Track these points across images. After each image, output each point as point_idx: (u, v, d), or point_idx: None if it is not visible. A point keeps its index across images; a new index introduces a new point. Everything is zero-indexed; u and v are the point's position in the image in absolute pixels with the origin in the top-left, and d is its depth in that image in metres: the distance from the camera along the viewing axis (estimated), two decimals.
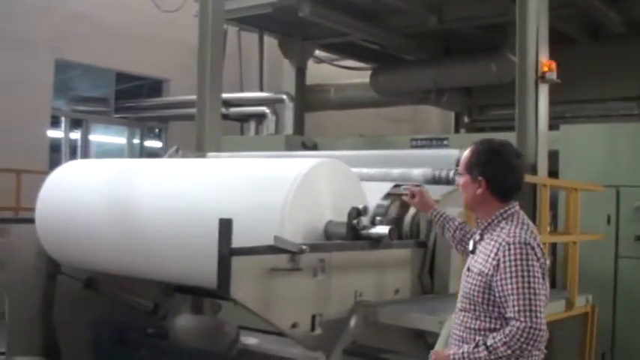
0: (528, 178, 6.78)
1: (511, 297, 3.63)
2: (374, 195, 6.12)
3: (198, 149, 8.89)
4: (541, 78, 7.35)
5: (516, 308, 3.60)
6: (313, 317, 4.88)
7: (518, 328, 3.57)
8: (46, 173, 7.28)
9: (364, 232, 5.36)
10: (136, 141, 17.36)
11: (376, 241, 5.34)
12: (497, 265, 3.70)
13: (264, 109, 14.50)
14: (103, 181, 6.54)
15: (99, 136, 17.20)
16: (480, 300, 3.79)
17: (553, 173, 8.02)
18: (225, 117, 13.25)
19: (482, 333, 3.76)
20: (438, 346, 4.35)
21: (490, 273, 3.73)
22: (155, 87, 17.02)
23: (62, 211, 6.63)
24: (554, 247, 7.48)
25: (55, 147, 15.22)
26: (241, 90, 15.23)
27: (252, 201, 5.29)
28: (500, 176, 3.92)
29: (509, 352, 3.58)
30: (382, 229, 5.35)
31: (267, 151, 8.39)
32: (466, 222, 4.72)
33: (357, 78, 15.33)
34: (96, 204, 6.37)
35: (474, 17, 11.98)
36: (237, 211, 4.92)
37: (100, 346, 7.04)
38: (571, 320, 6.53)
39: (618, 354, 8.29)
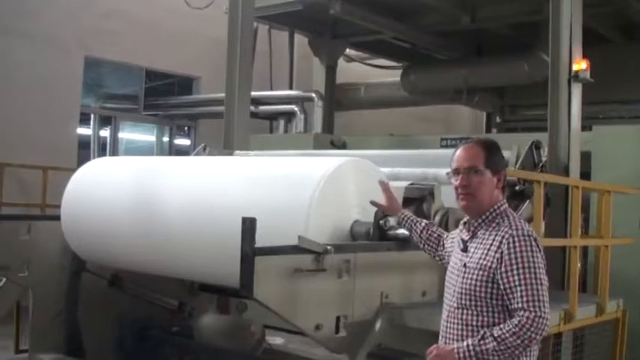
0: (560, 180, 6.69)
1: (518, 288, 3.63)
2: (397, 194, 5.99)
3: (226, 147, 8.83)
4: (574, 77, 7.24)
5: (524, 299, 3.61)
6: (337, 319, 4.77)
7: (528, 317, 3.57)
8: (73, 170, 7.25)
9: (391, 232, 5.26)
10: (165, 139, 17.34)
11: (403, 242, 5.22)
12: (501, 257, 3.70)
13: (294, 107, 14.49)
14: (129, 179, 6.49)
15: (128, 134, 17.23)
16: (482, 295, 3.76)
17: (585, 175, 7.88)
18: (255, 115, 13.22)
19: (484, 329, 3.72)
20: None
21: (494, 266, 3.72)
22: (185, 84, 16.97)
23: (88, 208, 6.59)
24: (585, 250, 7.34)
25: (84, 144, 15.21)
26: (271, 88, 15.18)
27: (278, 199, 5.22)
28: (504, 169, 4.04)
29: (518, 341, 3.58)
30: None
31: (295, 150, 8.31)
32: (432, 223, 4.78)
33: (388, 77, 15.28)
34: (121, 201, 6.33)
35: (508, 16, 11.89)
36: (262, 209, 4.86)
37: (124, 345, 7.02)
38: (601, 325, 6.43)
39: None
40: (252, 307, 6.76)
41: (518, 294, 3.62)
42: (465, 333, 3.81)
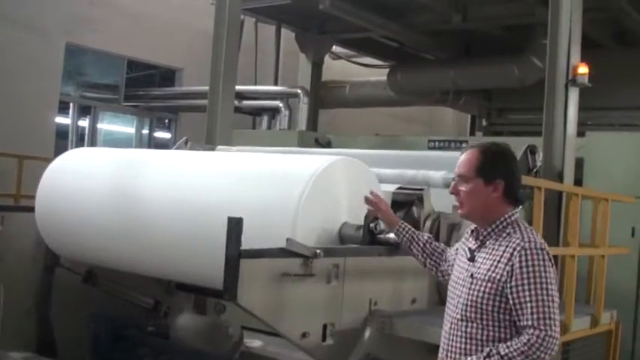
0: (556, 186, 6.51)
1: (529, 304, 3.44)
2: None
3: (208, 142, 8.61)
4: (572, 81, 7.07)
5: (535, 316, 3.42)
6: (325, 327, 4.57)
7: (537, 336, 3.39)
8: (49, 160, 7.03)
9: (381, 236, 5.04)
10: (145, 131, 17.06)
11: (394, 247, 5.00)
12: (512, 270, 3.50)
13: (278, 103, 14.27)
14: (108, 172, 6.28)
15: (107, 125, 16.93)
16: (489, 308, 3.56)
17: (577, 181, 7.74)
18: (238, 110, 12.98)
19: (489, 344, 3.53)
20: None
21: (503, 279, 3.52)
22: (168, 76, 16.70)
23: (63, 200, 6.37)
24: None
25: (62, 134, 14.91)
26: (255, 83, 14.96)
27: (264, 198, 5.01)
28: (517, 179, 3.78)
29: None
30: None
31: (279, 147, 8.10)
32: (432, 237, 4.55)
33: (374, 76, 15.10)
34: (99, 195, 6.11)
35: (500, 17, 11.77)
36: (248, 208, 4.67)
37: (98, 343, 6.77)
38: (594, 337, 6.27)
39: None
40: (230, 308, 6.54)
41: (529, 310, 3.42)
42: (468, 347, 3.61)
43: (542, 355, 3.37)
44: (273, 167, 5.44)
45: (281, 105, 14.16)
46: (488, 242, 3.67)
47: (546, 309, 3.41)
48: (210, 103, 9.12)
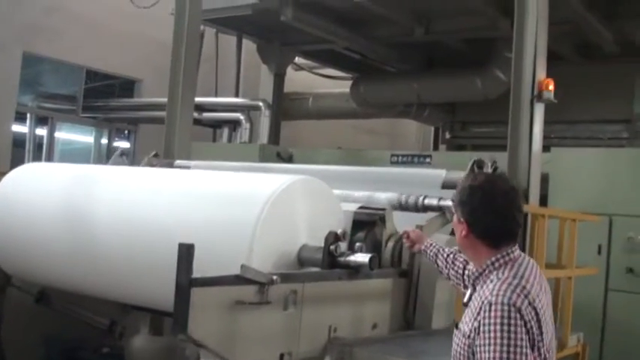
0: (525, 208, 6.34)
1: None
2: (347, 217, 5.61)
3: (167, 156, 8.40)
4: (537, 97, 6.91)
5: None
6: (282, 356, 4.38)
7: None
8: (3, 174, 6.81)
9: (342, 259, 4.83)
10: (104, 141, 16.78)
11: (355, 271, 4.80)
12: (479, 326, 3.10)
13: (239, 115, 14.13)
14: (61, 189, 6.09)
15: (66, 134, 16.69)
16: None
17: (541, 197, 7.60)
18: (198, 122, 12.80)
19: None
20: None
21: (472, 335, 3.14)
22: (127, 87, 16.46)
23: (15, 218, 6.20)
24: None
25: (20, 142, 14.65)
26: (216, 94, 14.77)
27: (219, 220, 4.83)
28: (481, 218, 3.31)
29: None
30: (362, 257, 4.82)
31: (239, 162, 7.92)
32: (455, 251, 4.21)
33: (337, 88, 14.97)
34: (51, 213, 5.94)
35: (463, 30, 11.64)
36: (202, 231, 4.57)
37: None
38: None
39: None
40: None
41: None
42: None
43: None
44: (229, 188, 5.25)
45: (242, 117, 14.02)
46: (477, 287, 3.34)
47: None
48: (168, 115, 8.90)
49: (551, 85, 6.88)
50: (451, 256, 4.15)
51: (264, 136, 13.60)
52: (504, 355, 2.98)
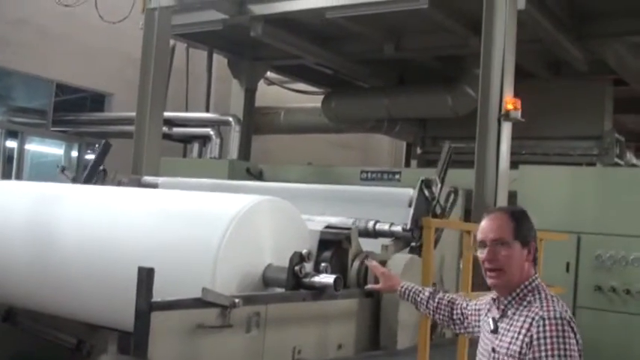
0: None
1: None
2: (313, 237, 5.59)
3: (135, 172, 8.37)
4: (504, 116, 6.95)
5: None
6: None
7: None
8: None
9: (307, 280, 4.80)
10: (75, 153, 16.64)
11: (319, 291, 4.78)
12: (530, 342, 3.28)
13: (209, 130, 14.04)
14: (26, 208, 5.99)
15: (36, 146, 16.52)
16: None
17: None
18: (168, 137, 12.76)
19: None
20: None
21: (523, 351, 3.30)
22: (98, 100, 16.36)
23: None
24: None
25: None
26: (186, 109, 14.72)
27: (183, 241, 4.76)
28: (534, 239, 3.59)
29: None
30: (327, 278, 4.79)
31: (208, 178, 7.88)
32: (436, 290, 4.31)
33: (309, 102, 14.99)
34: (17, 232, 5.84)
35: (433, 48, 11.70)
36: (165, 252, 4.53)
37: None
38: None
39: None
40: None
41: None
42: None
43: None
44: (194, 208, 5.19)
45: (212, 133, 13.95)
46: (509, 312, 3.48)
47: None
48: (137, 130, 8.89)
49: (518, 105, 6.90)
50: (431, 302, 4.19)
51: (234, 151, 13.54)
52: None
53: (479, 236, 3.54)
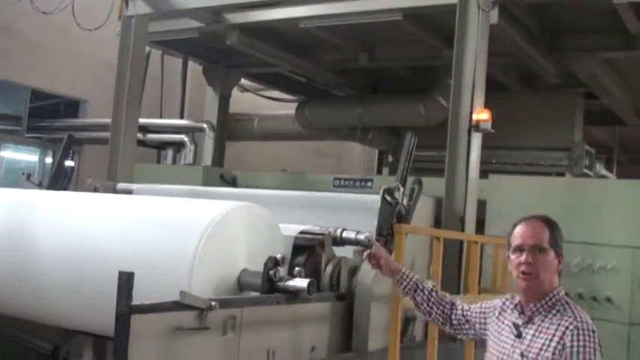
0: (459, 236, 6.50)
1: None
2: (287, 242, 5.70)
3: (110, 178, 8.43)
4: (475, 127, 7.09)
5: None
6: None
7: None
8: None
9: (281, 284, 4.93)
10: (49, 159, 16.62)
11: (293, 295, 4.91)
12: (563, 349, 3.43)
13: (184, 137, 14.11)
14: (2, 214, 6.03)
15: (11, 153, 16.52)
16: None
17: (479, 222, 7.76)
18: (142, 143, 12.80)
19: None
20: None
21: (555, 358, 3.45)
22: (73, 106, 16.34)
23: None
24: None
25: None
26: (161, 116, 14.75)
27: (159, 246, 4.87)
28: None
29: None
30: (301, 282, 4.93)
31: (182, 185, 7.96)
32: (436, 285, 4.39)
33: (282, 109, 15.07)
34: None
35: (406, 58, 11.83)
36: (142, 256, 4.62)
37: None
38: None
39: None
40: None
41: None
42: None
43: None
44: (170, 214, 5.29)
45: (186, 139, 14.02)
46: (536, 319, 3.60)
47: None
48: (112, 136, 8.96)
49: (488, 116, 7.04)
50: (434, 294, 4.21)
51: (208, 157, 13.63)
52: None
53: (516, 241, 3.62)
